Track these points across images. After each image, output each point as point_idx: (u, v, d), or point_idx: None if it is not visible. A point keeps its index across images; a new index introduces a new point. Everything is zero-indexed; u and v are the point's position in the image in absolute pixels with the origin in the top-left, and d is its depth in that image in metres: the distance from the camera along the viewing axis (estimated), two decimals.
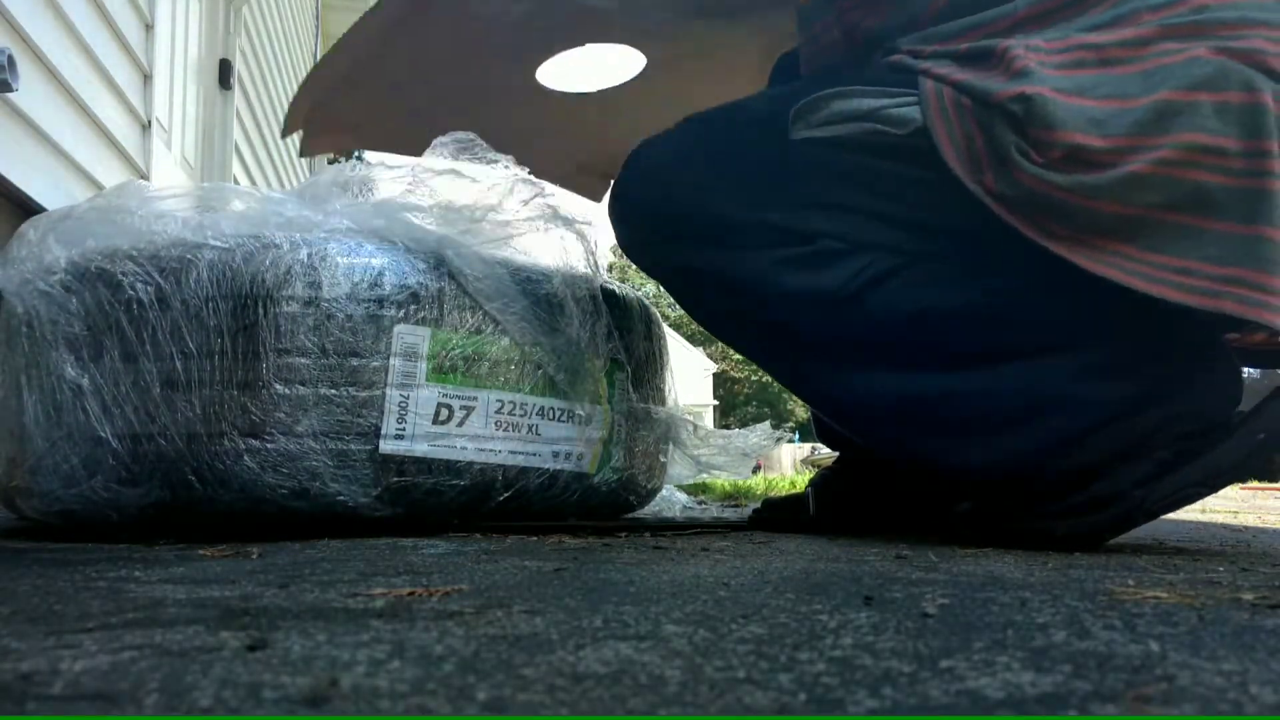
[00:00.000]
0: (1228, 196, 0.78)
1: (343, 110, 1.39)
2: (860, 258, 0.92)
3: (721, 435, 1.21)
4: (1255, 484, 3.62)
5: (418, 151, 1.07)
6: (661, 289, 1.09)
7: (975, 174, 0.83)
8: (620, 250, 1.08)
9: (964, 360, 0.91)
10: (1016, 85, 0.81)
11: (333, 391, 0.91)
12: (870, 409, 0.96)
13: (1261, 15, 0.82)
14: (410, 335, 0.95)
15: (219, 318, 0.90)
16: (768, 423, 1.25)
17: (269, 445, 0.89)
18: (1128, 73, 0.81)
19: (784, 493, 1.43)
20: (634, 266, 1.08)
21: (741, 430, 1.21)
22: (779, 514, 1.20)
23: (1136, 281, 0.79)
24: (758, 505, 1.27)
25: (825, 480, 1.19)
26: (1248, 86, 0.78)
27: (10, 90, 1.34)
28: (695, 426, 1.20)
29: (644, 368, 1.15)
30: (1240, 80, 0.79)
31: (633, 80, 1.40)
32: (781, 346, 1.01)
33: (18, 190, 1.46)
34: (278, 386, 0.90)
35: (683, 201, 0.97)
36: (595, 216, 1.12)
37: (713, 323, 1.05)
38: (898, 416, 0.95)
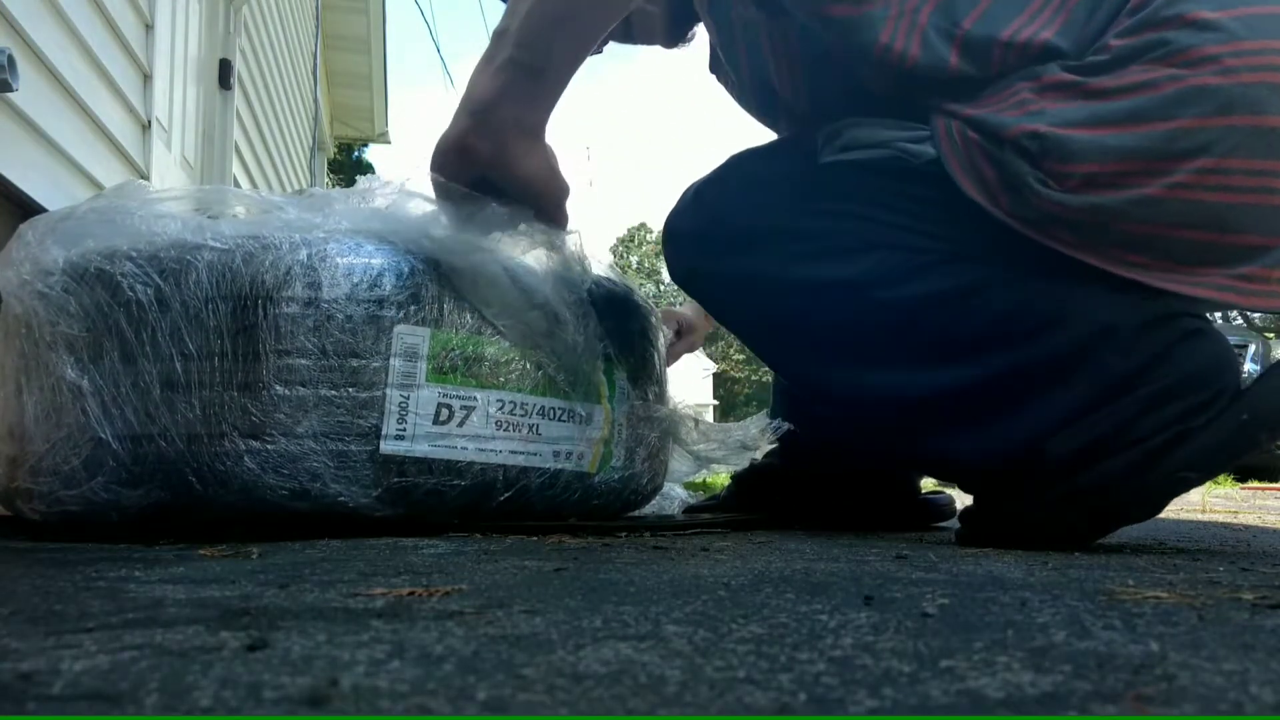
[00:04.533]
0: (1236, 214, 0.84)
1: None
2: (872, 255, 0.97)
3: (721, 429, 1.21)
4: (1255, 484, 3.62)
5: None
6: (662, 290, 1.12)
7: (990, 199, 0.89)
8: (674, 282, 1.16)
9: (958, 352, 0.94)
10: (1030, 123, 0.86)
11: (333, 392, 0.91)
12: (881, 406, 1.00)
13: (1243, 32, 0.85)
14: (410, 336, 0.95)
15: (219, 319, 0.90)
16: (764, 412, 1.24)
17: (269, 446, 0.89)
18: (1142, 97, 0.85)
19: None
20: (639, 271, 1.11)
21: (740, 422, 1.21)
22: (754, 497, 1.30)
23: (1154, 280, 0.86)
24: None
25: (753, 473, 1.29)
26: (1255, 110, 0.83)
27: (10, 90, 1.34)
28: (696, 422, 1.19)
29: (642, 366, 1.15)
30: (1247, 103, 0.83)
31: None
32: (801, 344, 1.06)
33: (17, 190, 1.46)
34: (278, 388, 0.90)
35: (725, 222, 1.05)
36: (581, 225, 1.12)
37: (746, 331, 1.12)
38: (902, 413, 0.99)
